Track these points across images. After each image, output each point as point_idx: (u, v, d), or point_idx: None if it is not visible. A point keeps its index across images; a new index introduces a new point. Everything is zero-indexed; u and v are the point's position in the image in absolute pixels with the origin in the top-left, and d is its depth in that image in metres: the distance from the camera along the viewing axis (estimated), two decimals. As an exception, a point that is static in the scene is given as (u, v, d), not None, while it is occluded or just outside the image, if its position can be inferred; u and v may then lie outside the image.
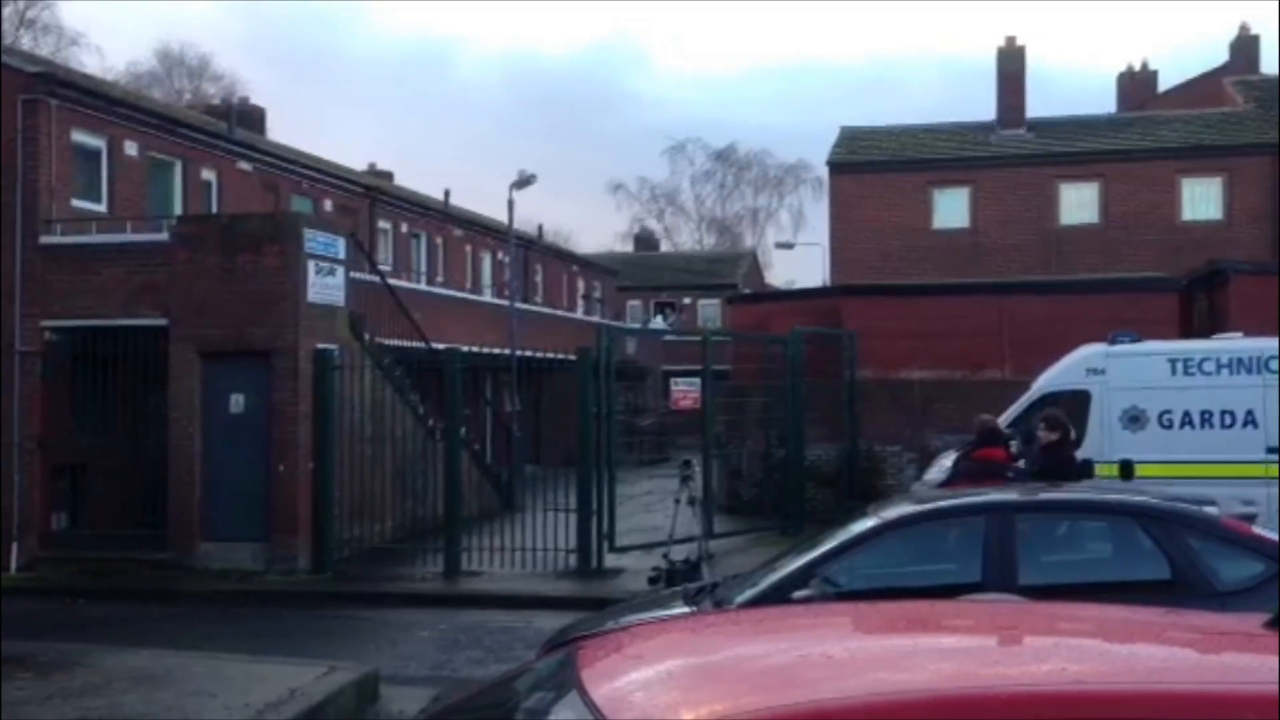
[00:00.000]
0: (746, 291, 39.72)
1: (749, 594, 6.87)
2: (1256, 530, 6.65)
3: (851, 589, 6.78)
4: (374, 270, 19.59)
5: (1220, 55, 32.25)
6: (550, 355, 21.47)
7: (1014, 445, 12.49)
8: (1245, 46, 31.44)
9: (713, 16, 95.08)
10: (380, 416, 15.74)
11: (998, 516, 6.84)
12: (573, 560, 14.28)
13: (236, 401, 14.81)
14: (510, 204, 24.50)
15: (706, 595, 7.27)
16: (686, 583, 9.55)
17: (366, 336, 16.44)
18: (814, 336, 17.84)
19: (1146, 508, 6.75)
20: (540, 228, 42.36)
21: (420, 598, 13.16)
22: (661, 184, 67.92)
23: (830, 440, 18.06)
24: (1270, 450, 13.30)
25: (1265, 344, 14.02)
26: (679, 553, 13.15)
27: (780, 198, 66.16)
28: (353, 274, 16.38)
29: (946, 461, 13.37)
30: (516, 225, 25.73)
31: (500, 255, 31.98)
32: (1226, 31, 32.19)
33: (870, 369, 18.65)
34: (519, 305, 25.28)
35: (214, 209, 20.02)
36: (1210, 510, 6.86)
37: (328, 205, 24.30)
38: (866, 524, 7.27)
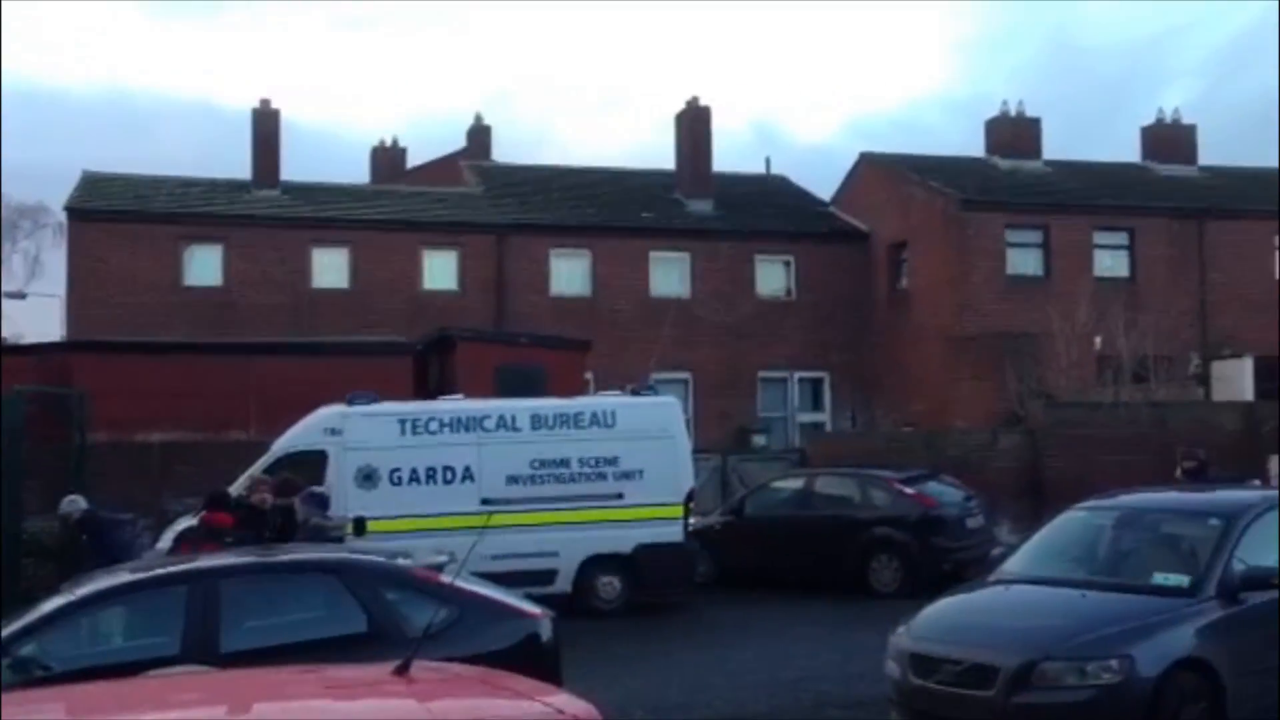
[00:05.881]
0: (-30, 344, 35.23)
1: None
2: (444, 578, 7.24)
3: (51, 672, 6.28)
4: None
5: (459, 140, 35.49)
6: None
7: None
8: (480, 135, 34.91)
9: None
10: None
11: (200, 584, 6.72)
12: None
13: None
14: None
15: None
16: None
17: None
18: (38, 396, 16.30)
19: (343, 564, 7.07)
20: None
21: None
22: None
23: (55, 510, 16.51)
24: (485, 502, 14.69)
25: (482, 405, 15.52)
26: None
27: (14, 242, 59.50)
28: None
29: (181, 526, 12.92)
30: None
31: None
32: (465, 120, 35.40)
33: (104, 431, 17.46)
34: None
35: None
36: (403, 561, 7.36)
37: None
38: (57, 602, 6.75)
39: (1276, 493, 11.13)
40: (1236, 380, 25.88)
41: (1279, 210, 28.94)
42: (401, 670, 3.48)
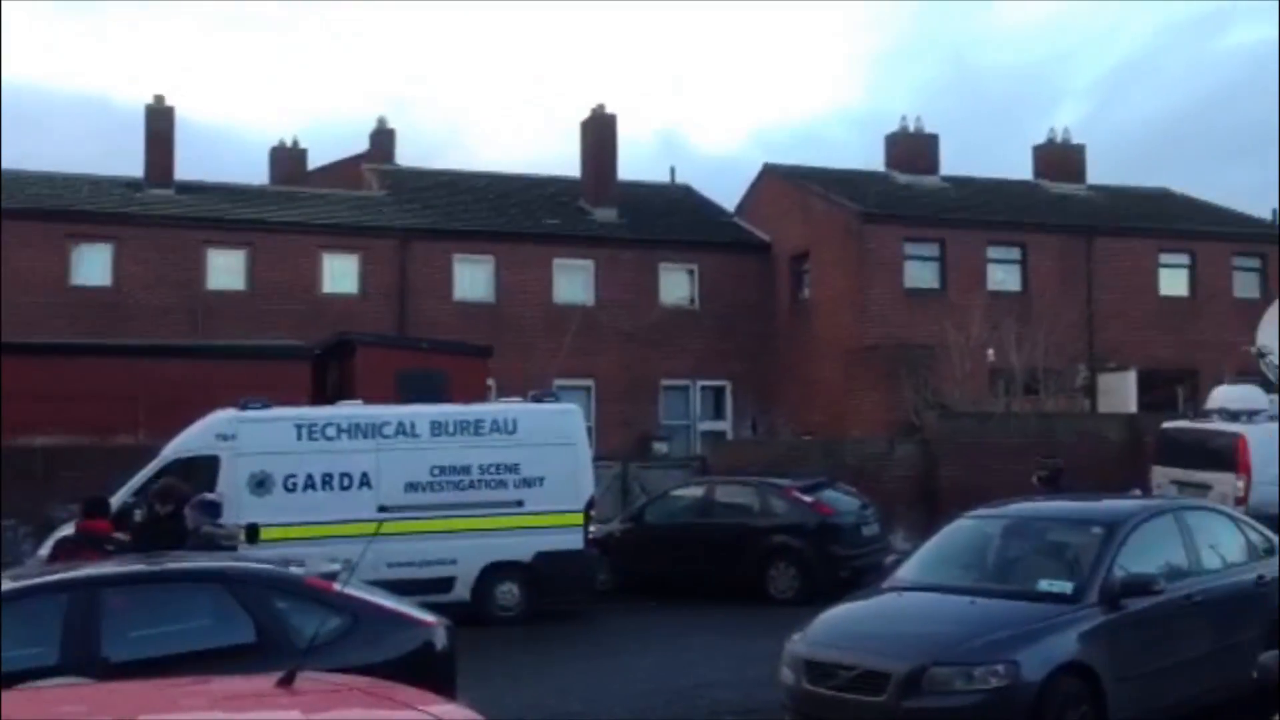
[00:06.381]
0: None
1: None
2: (338, 586, 7.12)
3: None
4: None
5: (362, 143, 35.02)
6: None
7: (139, 514, 12.11)
8: (383, 138, 34.50)
9: None
10: None
11: (80, 593, 6.51)
12: None
13: None
14: None
15: None
16: None
17: None
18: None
19: (231, 572, 6.91)
20: None
21: None
22: None
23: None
24: (382, 509, 14.52)
25: (381, 410, 15.33)
26: None
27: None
28: None
29: (61, 534, 12.52)
30: None
31: None
32: (368, 122, 35.03)
33: (-15, 435, 16.84)
34: None
35: None
36: (296, 570, 7.22)
37: None
38: (-73, 613, 6.46)
39: (1157, 502, 11.55)
40: (1121, 392, 26.78)
41: (1163, 229, 30.10)
42: (286, 682, 3.41)
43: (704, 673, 11.51)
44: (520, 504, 15.01)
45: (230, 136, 63.76)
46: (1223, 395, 19.11)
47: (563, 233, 29.29)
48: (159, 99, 28.16)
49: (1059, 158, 32.88)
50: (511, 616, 14.86)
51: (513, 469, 15.01)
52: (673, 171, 35.36)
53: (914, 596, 8.80)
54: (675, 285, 29.96)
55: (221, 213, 27.50)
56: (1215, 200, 33.39)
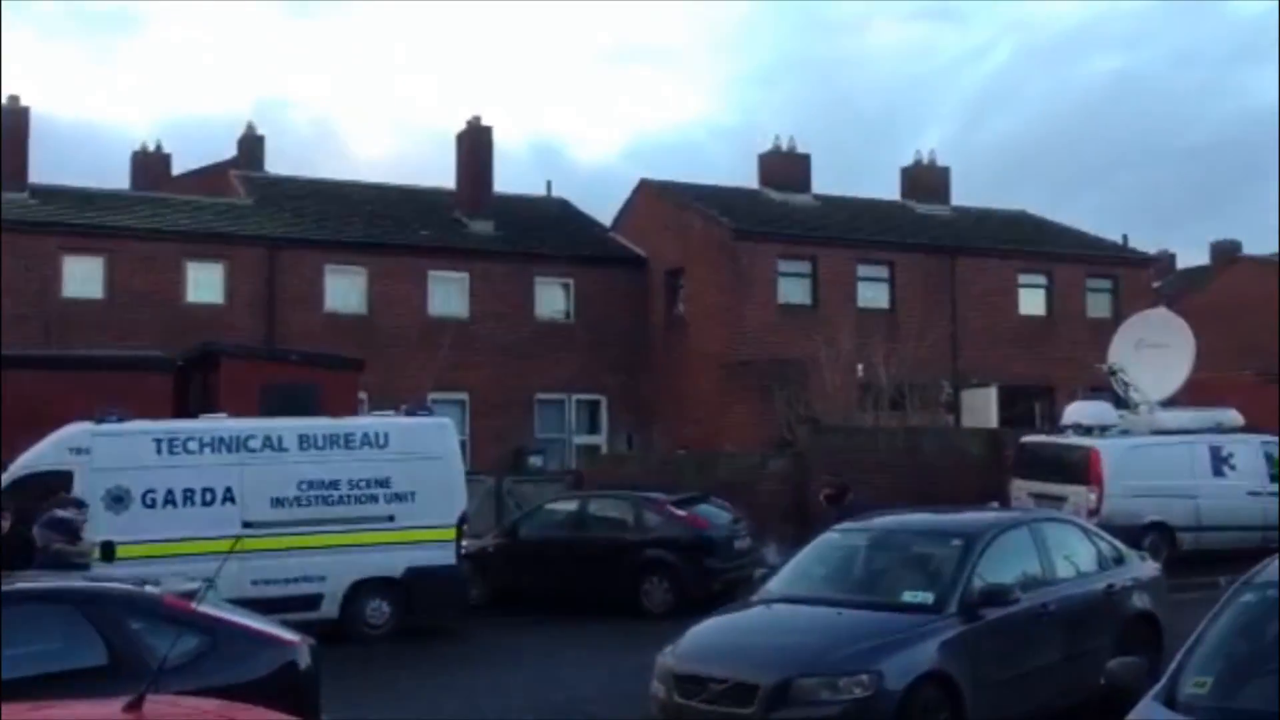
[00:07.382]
0: None
1: None
2: (195, 606, 6.90)
3: None
4: None
5: (229, 149, 34.11)
6: None
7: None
8: (251, 144, 33.63)
9: None
10: None
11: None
12: None
13: None
14: None
15: None
16: None
17: None
18: None
19: (83, 592, 6.66)
20: None
21: None
22: None
23: None
24: (247, 525, 14.11)
25: (246, 424, 14.90)
26: None
27: None
28: None
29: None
30: None
31: None
32: (236, 128, 34.14)
33: None
34: None
35: None
36: (152, 590, 6.98)
37: None
38: None
39: (1013, 514, 11.94)
40: (983, 408, 27.66)
41: (1022, 251, 31.28)
42: (133, 706, 3.28)
43: (576, 687, 11.48)
44: (391, 519, 14.76)
45: (89, 139, 61.51)
46: (1076, 411, 19.89)
47: (437, 244, 29.00)
48: (13, 98, 27.00)
49: (925, 179, 33.85)
50: (381, 633, 14.60)
51: (384, 483, 14.76)
52: (549, 184, 35.35)
53: (783, 609, 8.93)
54: (550, 299, 29.90)
55: (79, 218, 26.49)
56: (1067, 222, 34.83)
